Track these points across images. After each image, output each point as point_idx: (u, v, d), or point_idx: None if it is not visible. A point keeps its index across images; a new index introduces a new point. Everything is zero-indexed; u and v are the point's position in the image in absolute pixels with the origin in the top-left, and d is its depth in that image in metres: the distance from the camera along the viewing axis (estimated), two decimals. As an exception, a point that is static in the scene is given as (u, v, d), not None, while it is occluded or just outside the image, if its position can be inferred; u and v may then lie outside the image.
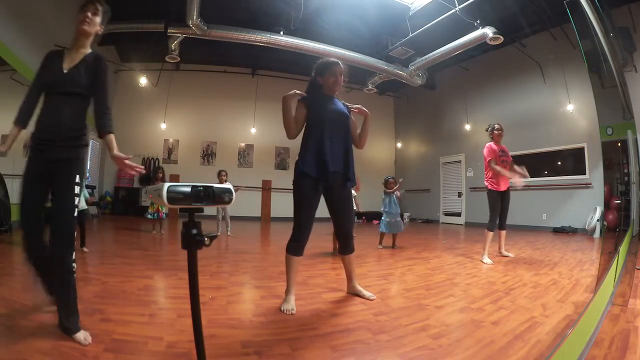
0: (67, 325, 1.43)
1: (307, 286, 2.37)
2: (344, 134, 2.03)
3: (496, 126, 3.79)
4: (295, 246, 1.93)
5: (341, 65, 2.07)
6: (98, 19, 1.59)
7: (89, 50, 1.61)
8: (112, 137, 1.55)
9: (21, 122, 1.55)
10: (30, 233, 1.51)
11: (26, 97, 1.57)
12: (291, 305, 1.84)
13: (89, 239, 4.15)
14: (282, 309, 1.82)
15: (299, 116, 2.00)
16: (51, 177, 1.50)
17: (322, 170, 1.91)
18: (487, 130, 3.87)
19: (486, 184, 3.68)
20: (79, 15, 1.57)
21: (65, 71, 1.53)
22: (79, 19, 1.57)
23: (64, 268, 1.46)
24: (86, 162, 1.67)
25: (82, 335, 1.42)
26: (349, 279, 2.20)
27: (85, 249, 3.36)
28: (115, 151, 1.50)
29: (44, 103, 1.55)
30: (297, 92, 2.05)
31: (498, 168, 3.56)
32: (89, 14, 1.56)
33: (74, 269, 1.56)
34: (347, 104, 2.16)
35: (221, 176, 5.27)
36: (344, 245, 2.11)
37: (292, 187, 1.98)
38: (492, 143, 3.72)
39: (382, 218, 4.44)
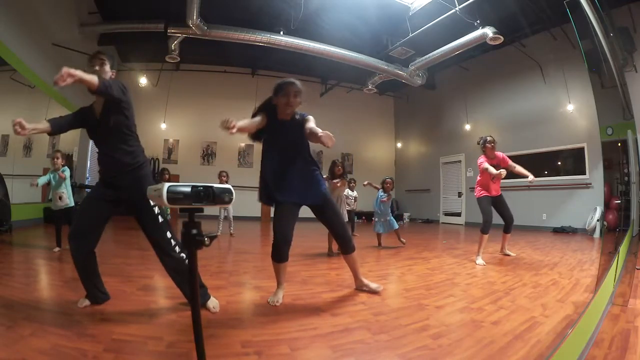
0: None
1: (307, 286, 2.37)
2: (298, 159, 1.99)
3: (488, 139, 3.55)
4: (275, 253, 2.04)
5: (298, 85, 1.94)
6: (106, 67, 1.73)
7: None
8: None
9: (56, 128, 1.67)
10: (79, 239, 1.68)
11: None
12: (277, 297, 1.97)
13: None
14: (268, 300, 1.96)
15: (257, 120, 1.99)
16: (120, 201, 1.73)
17: (273, 199, 2.05)
18: (478, 144, 3.65)
19: (475, 192, 3.60)
20: (87, 70, 1.65)
21: (98, 117, 1.71)
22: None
23: (174, 260, 1.70)
24: (149, 175, 1.87)
25: (211, 304, 1.75)
26: (355, 276, 2.29)
27: (56, 249, 3.22)
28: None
29: (98, 149, 1.77)
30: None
31: (491, 168, 3.37)
32: (97, 68, 1.70)
33: (184, 257, 1.72)
34: (304, 115, 2.00)
35: (221, 177, 5.15)
36: (341, 247, 2.20)
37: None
38: (483, 157, 3.54)
39: (374, 219, 4.54)
